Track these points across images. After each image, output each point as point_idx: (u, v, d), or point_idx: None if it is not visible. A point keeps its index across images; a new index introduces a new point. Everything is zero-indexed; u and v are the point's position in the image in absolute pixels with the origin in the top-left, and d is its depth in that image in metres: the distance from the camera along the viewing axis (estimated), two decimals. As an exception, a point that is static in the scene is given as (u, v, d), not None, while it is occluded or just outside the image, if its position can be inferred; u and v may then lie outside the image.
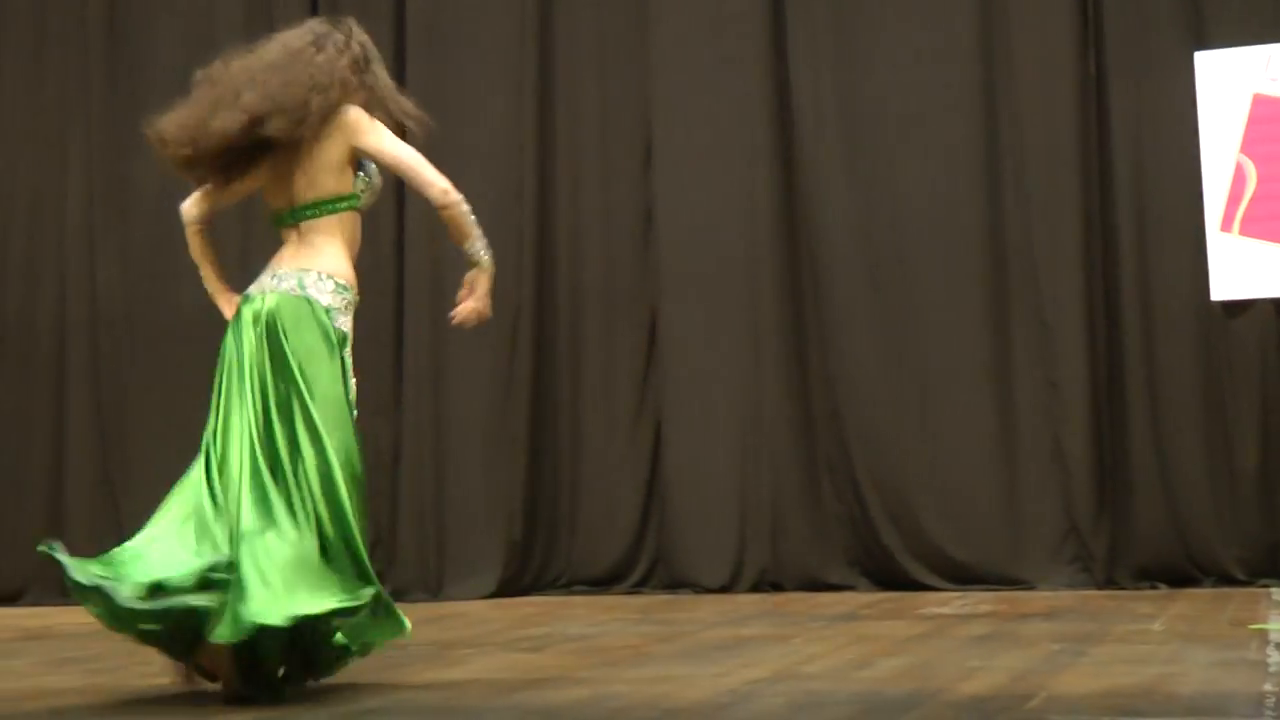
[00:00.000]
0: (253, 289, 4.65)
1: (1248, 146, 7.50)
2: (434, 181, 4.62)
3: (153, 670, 5.18)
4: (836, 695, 4.36)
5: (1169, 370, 7.49)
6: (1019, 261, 7.64)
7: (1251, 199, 7.48)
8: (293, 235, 4.66)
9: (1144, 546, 7.43)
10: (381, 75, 4.79)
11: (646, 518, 7.90)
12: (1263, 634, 5.53)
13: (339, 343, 4.57)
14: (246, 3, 8.17)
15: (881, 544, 7.62)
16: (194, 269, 7.62)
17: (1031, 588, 7.43)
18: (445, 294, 7.97)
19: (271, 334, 4.53)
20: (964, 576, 7.52)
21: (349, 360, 4.61)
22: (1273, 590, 7.12)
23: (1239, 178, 7.49)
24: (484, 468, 7.90)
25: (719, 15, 7.92)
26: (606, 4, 8.05)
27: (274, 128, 4.54)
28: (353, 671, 4.91)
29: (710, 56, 7.91)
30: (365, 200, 4.73)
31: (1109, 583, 7.41)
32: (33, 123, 8.23)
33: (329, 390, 4.50)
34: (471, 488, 7.89)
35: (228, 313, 4.80)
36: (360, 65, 4.73)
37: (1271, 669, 4.66)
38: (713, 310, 7.84)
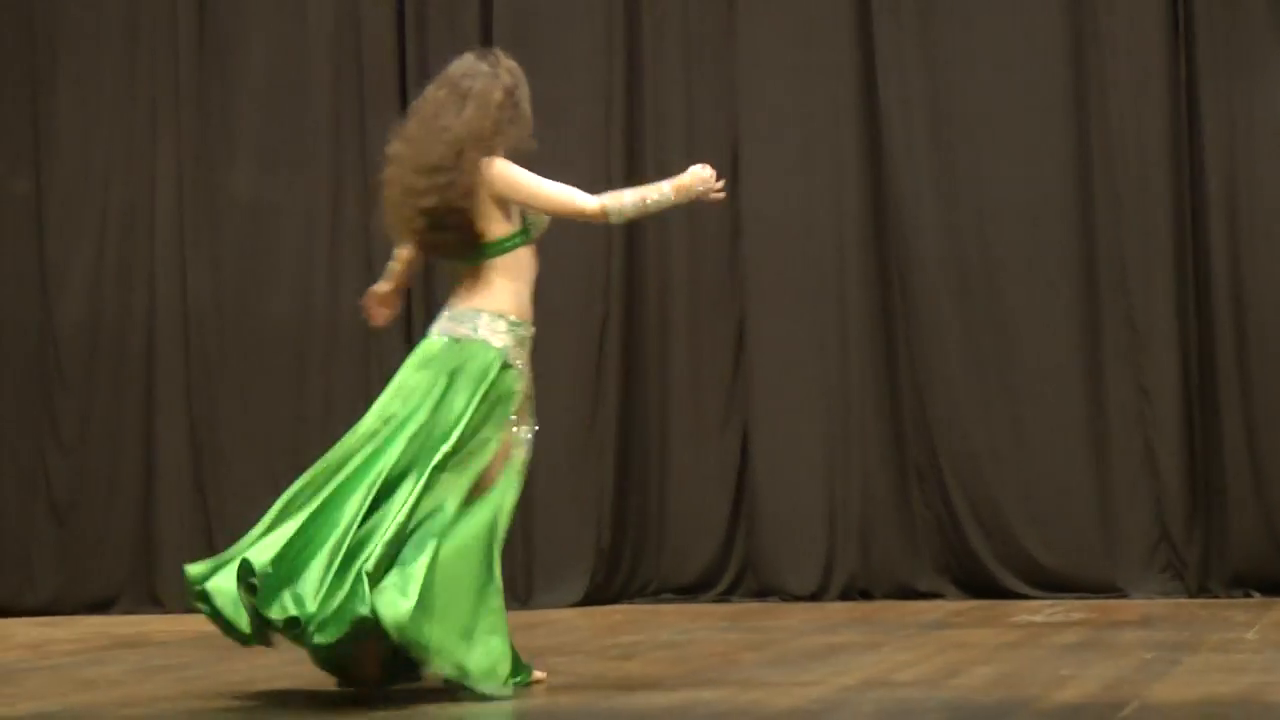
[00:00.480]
0: (433, 329, 4.86)
1: (1341, 147, 7.40)
2: (585, 210, 4.83)
3: (243, 679, 5.23)
4: (927, 703, 4.34)
5: (1262, 375, 7.40)
6: (1109, 266, 7.57)
7: (1346, 201, 7.38)
8: (469, 272, 4.85)
9: (1237, 554, 7.35)
10: (524, 104, 4.95)
11: (735, 525, 7.89)
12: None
13: (503, 381, 4.74)
14: (336, 15, 8.22)
15: (971, 551, 7.57)
16: (285, 277, 7.74)
17: (1123, 595, 7.36)
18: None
19: (435, 380, 4.74)
20: (1055, 584, 7.46)
21: (515, 388, 4.79)
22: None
23: (1332, 178, 7.39)
24: (572, 475, 7.90)
25: (806, 20, 7.89)
26: (693, 10, 8.05)
27: (432, 210, 4.78)
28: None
29: (797, 61, 7.89)
30: (536, 233, 4.91)
31: (1202, 590, 7.33)
32: (124, 133, 8.31)
33: (461, 449, 4.67)
34: (559, 496, 7.89)
35: (371, 291, 5.10)
36: (512, 95, 4.90)
37: (1368, 678, 4.61)
38: (800, 316, 7.82)
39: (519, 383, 4.82)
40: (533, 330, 4.89)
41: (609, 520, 7.86)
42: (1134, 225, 7.53)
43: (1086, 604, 7.15)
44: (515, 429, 4.86)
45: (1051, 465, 7.56)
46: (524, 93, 4.95)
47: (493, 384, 4.74)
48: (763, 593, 7.81)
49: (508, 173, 4.82)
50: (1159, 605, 7.06)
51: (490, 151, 4.82)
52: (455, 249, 4.86)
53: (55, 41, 8.36)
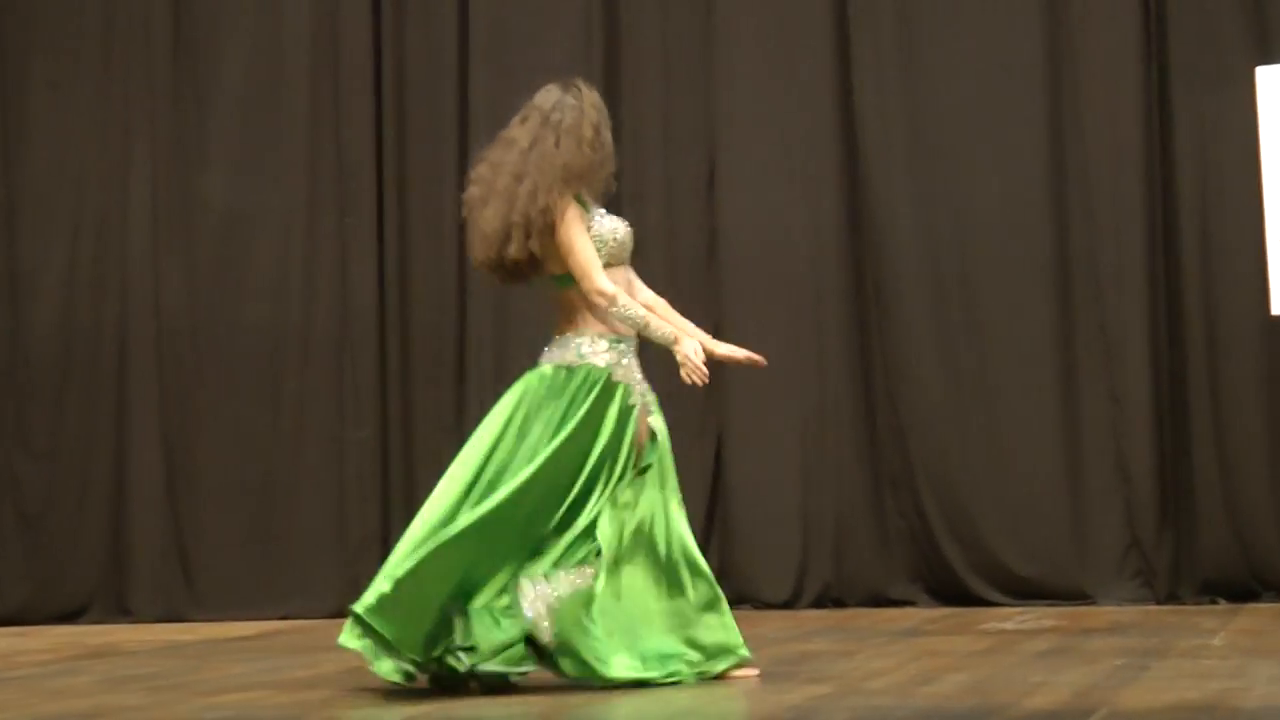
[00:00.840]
0: (541, 359, 5.08)
1: (1309, 160, 7.45)
2: (591, 287, 4.94)
3: (213, 688, 5.22)
4: (900, 711, 4.36)
5: (1232, 384, 7.44)
6: (1083, 276, 7.60)
7: (1314, 213, 7.43)
8: (560, 300, 5.07)
9: (1206, 561, 7.39)
10: (609, 140, 5.10)
11: (709, 533, 7.88)
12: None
13: (618, 397, 4.97)
14: (313, 20, 8.20)
15: (944, 559, 7.59)
16: (260, 283, 7.75)
17: (1093, 602, 7.39)
18: (508, 308, 8.03)
19: (533, 408, 4.97)
20: (1026, 591, 7.49)
21: (630, 401, 5.02)
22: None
23: (1300, 191, 7.44)
24: (544, 484, 7.89)
25: (783, 30, 7.90)
26: (671, 23, 8.04)
27: (512, 257, 4.98)
28: (423, 688, 4.94)
29: (775, 73, 7.90)
30: (607, 255, 5.02)
31: (1170, 597, 7.36)
32: (98, 139, 8.28)
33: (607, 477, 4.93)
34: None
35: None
36: (599, 132, 5.06)
37: (1334, 683, 4.66)
38: (776, 325, 7.82)
39: (633, 396, 5.01)
40: (634, 344, 5.07)
41: (582, 528, 7.85)
42: (1107, 235, 7.57)
43: (1057, 611, 7.18)
44: (653, 425, 5.08)
45: (1024, 473, 7.59)
46: (607, 129, 5.11)
47: (607, 400, 4.94)
48: (736, 600, 7.76)
49: (569, 220, 4.95)
50: (1129, 612, 7.08)
51: (584, 187, 5.00)
52: (529, 274, 5.04)
53: (28, 43, 8.32)
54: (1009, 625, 6.63)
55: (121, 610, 8.03)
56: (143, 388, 8.14)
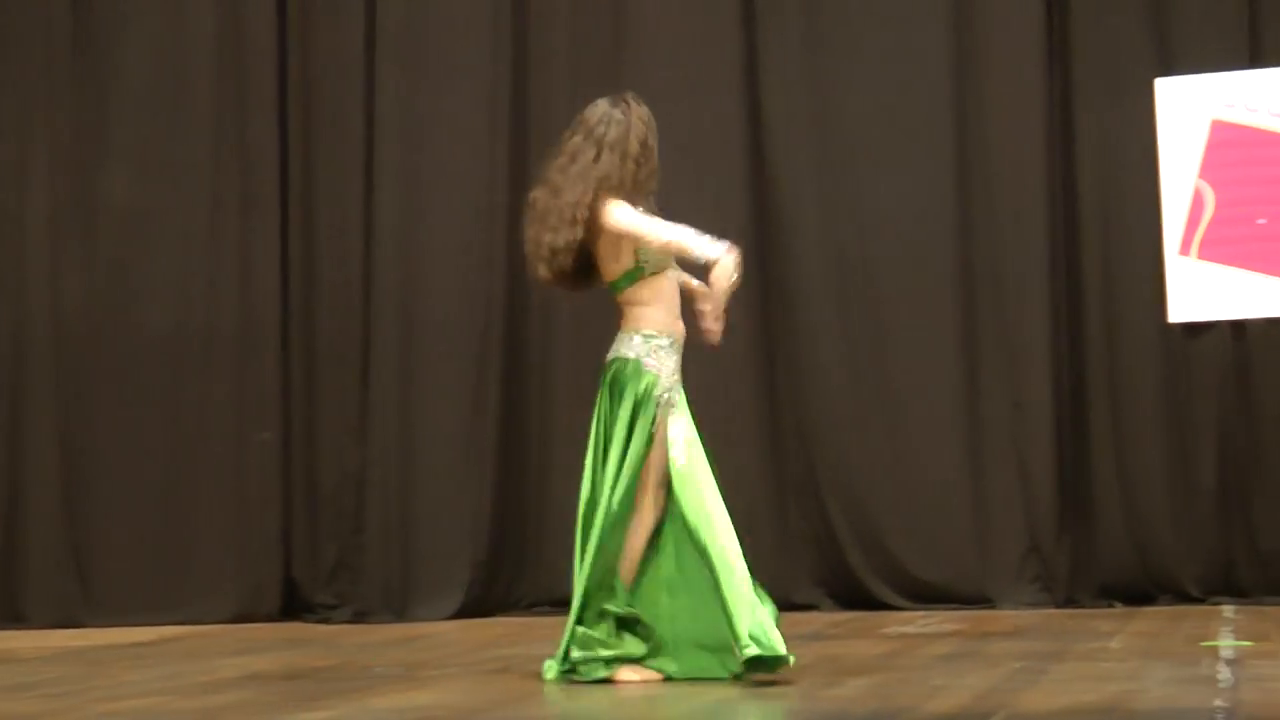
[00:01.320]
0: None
1: (1206, 171, 7.58)
2: (648, 239, 5.09)
3: (108, 694, 5.17)
4: (803, 715, 4.39)
5: (1131, 391, 7.55)
6: (986, 283, 7.68)
7: (1209, 223, 7.55)
8: (616, 303, 5.28)
9: (1104, 565, 7.49)
10: (655, 152, 5.25)
11: (610, 537, 7.88)
12: (1215, 651, 5.60)
13: (642, 380, 5.16)
14: (216, 16, 8.12)
15: (847, 564, 7.64)
16: (160, 286, 7.60)
17: (994, 606, 7.46)
18: (413, 314, 8.00)
19: (606, 398, 5.24)
20: (928, 596, 7.55)
21: (654, 389, 5.18)
22: (1225, 608, 7.19)
23: (1197, 202, 7.56)
24: (451, 488, 7.87)
25: (691, 39, 7.93)
26: (580, 26, 8.05)
27: (543, 277, 5.25)
28: (325, 693, 4.91)
29: (682, 80, 7.91)
30: (654, 265, 5.19)
31: (1069, 601, 7.45)
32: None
33: (623, 448, 5.20)
34: (438, 508, 7.86)
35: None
36: (646, 144, 5.20)
37: (1222, 684, 4.74)
38: (679, 328, 7.85)
39: (657, 386, 5.17)
40: (669, 340, 5.20)
41: (487, 533, 7.84)
42: (1010, 243, 7.66)
43: (959, 615, 7.24)
44: (670, 421, 5.21)
45: (926, 479, 7.65)
46: (655, 141, 5.25)
47: (633, 384, 5.15)
48: (639, 605, 7.80)
49: (613, 209, 5.10)
50: (1029, 616, 7.16)
51: (622, 197, 5.13)
52: (584, 283, 5.26)
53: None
54: (911, 629, 6.68)
55: (14, 616, 7.89)
56: (39, 389, 8.01)
